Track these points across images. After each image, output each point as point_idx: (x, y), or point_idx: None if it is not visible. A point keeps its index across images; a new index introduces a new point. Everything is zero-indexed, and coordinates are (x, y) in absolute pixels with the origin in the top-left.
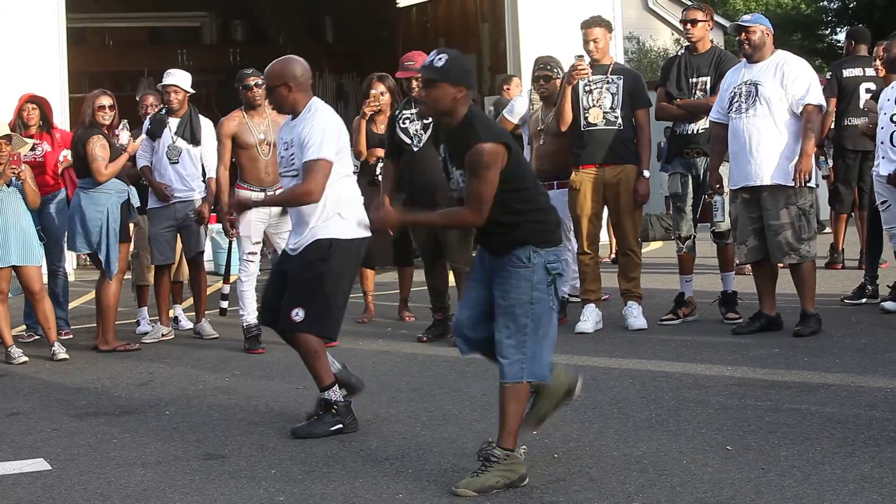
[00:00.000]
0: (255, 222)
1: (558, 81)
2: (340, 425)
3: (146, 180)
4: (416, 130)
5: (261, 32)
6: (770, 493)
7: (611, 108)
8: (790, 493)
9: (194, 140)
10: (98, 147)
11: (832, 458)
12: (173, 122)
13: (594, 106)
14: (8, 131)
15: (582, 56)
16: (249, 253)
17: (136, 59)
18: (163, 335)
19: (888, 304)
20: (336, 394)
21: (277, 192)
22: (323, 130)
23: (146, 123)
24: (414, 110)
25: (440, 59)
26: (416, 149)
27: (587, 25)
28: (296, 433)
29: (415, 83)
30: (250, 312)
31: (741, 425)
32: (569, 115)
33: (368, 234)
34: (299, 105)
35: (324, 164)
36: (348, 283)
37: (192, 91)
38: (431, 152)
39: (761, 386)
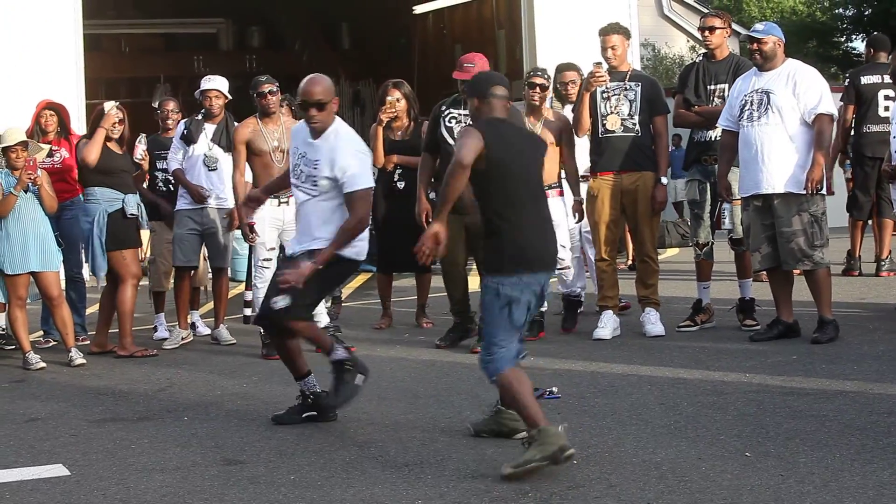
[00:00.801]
0: (268, 228)
1: (549, 93)
2: (361, 374)
3: (179, 183)
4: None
5: (277, 39)
6: (789, 499)
7: (629, 114)
8: (809, 499)
9: (230, 147)
10: (81, 146)
11: (851, 465)
12: (209, 129)
13: (612, 113)
14: (24, 137)
15: (600, 63)
16: (264, 259)
17: (153, 65)
18: (182, 339)
19: None
20: (342, 351)
21: (292, 199)
22: (361, 160)
23: (181, 127)
24: (462, 111)
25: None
26: None
27: (605, 32)
28: (331, 405)
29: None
30: None
31: (760, 432)
32: (587, 122)
33: (360, 259)
34: (328, 124)
35: (366, 193)
36: (319, 287)
37: (230, 97)
38: None
39: (780, 393)
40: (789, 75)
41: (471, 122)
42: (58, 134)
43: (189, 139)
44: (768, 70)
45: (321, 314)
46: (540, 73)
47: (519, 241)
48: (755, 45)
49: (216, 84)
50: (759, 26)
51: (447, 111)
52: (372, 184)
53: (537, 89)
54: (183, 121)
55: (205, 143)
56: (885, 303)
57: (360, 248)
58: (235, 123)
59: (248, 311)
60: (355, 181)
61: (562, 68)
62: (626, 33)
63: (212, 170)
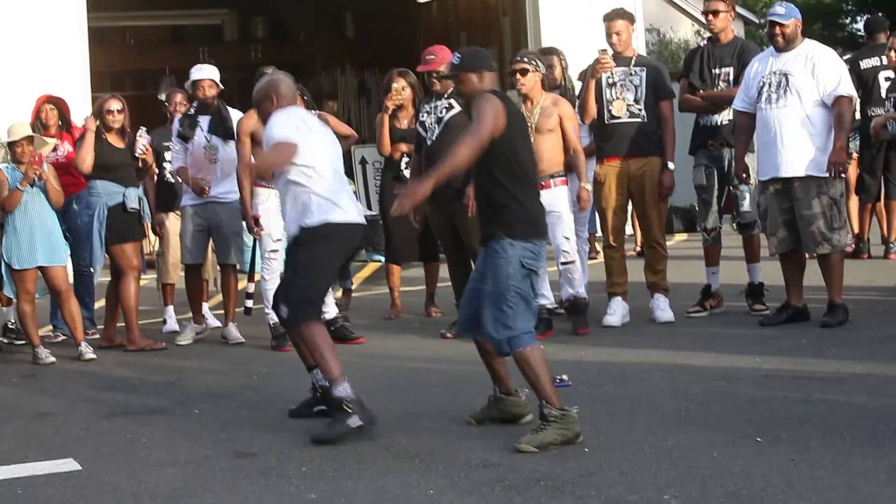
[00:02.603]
0: (274, 219)
1: (538, 76)
2: (361, 422)
3: (182, 180)
4: (431, 124)
5: (282, 29)
6: (801, 484)
7: (634, 100)
8: (821, 483)
9: (227, 135)
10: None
11: (862, 449)
12: (204, 120)
13: (617, 99)
14: (30, 132)
15: (605, 50)
16: (271, 251)
17: (158, 57)
18: (197, 333)
19: None
20: (346, 390)
21: None
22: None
23: (176, 125)
24: (434, 103)
25: (456, 57)
26: (429, 142)
27: (610, 18)
28: (314, 438)
29: (434, 77)
30: None
31: (771, 417)
32: (593, 109)
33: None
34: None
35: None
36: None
37: (222, 87)
38: (444, 146)
39: (790, 377)
40: (808, 57)
41: (493, 90)
42: (59, 128)
43: (185, 136)
44: (786, 51)
45: (329, 305)
46: (519, 58)
47: (535, 209)
48: (777, 28)
49: (208, 73)
50: (779, 9)
51: (422, 106)
52: (278, 136)
53: (517, 76)
54: (176, 118)
55: (202, 135)
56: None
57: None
58: (229, 109)
59: (249, 303)
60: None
61: (542, 52)
62: (630, 19)
63: (213, 162)
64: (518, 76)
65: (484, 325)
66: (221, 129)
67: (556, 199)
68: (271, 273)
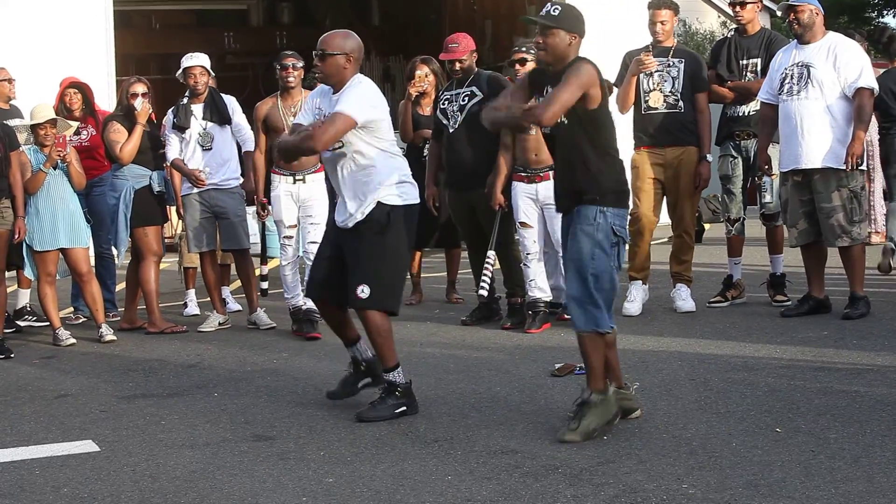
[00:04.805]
0: (286, 206)
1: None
2: (405, 407)
3: (179, 171)
4: (453, 112)
5: (307, 15)
6: (820, 475)
7: (671, 91)
8: (840, 475)
9: (223, 119)
10: (111, 133)
11: (882, 441)
12: (197, 108)
13: (655, 89)
14: (53, 115)
15: (649, 50)
16: (286, 237)
17: (183, 41)
18: (220, 324)
19: None
20: (400, 375)
21: (309, 176)
22: (359, 94)
23: (170, 116)
24: (456, 91)
25: (555, 8)
26: (451, 130)
27: (656, 6)
28: (361, 417)
29: (458, 65)
30: (295, 295)
31: (790, 407)
32: (631, 101)
33: (414, 202)
34: (347, 78)
35: (345, 118)
36: (406, 254)
37: (213, 74)
38: (465, 133)
39: (810, 368)
40: (830, 49)
41: (587, 61)
42: (83, 112)
43: (181, 126)
44: (808, 42)
45: (295, 297)
46: (521, 48)
47: (624, 178)
48: (792, 14)
49: (199, 61)
50: None
51: (443, 93)
52: (357, 116)
53: (518, 66)
54: (170, 110)
55: (196, 123)
56: None
57: (405, 190)
58: (222, 95)
59: (264, 285)
60: (338, 105)
61: (516, 43)
62: (675, 8)
63: (206, 149)
64: (518, 67)
65: (568, 291)
66: (217, 114)
67: (553, 191)
68: (288, 259)
